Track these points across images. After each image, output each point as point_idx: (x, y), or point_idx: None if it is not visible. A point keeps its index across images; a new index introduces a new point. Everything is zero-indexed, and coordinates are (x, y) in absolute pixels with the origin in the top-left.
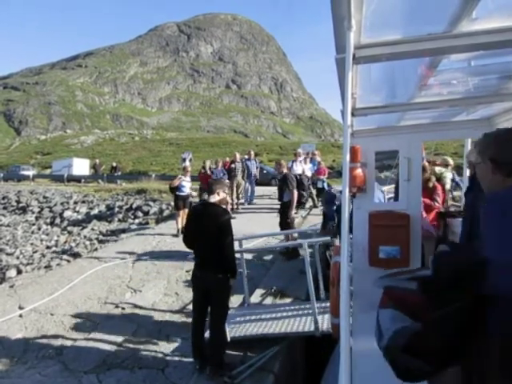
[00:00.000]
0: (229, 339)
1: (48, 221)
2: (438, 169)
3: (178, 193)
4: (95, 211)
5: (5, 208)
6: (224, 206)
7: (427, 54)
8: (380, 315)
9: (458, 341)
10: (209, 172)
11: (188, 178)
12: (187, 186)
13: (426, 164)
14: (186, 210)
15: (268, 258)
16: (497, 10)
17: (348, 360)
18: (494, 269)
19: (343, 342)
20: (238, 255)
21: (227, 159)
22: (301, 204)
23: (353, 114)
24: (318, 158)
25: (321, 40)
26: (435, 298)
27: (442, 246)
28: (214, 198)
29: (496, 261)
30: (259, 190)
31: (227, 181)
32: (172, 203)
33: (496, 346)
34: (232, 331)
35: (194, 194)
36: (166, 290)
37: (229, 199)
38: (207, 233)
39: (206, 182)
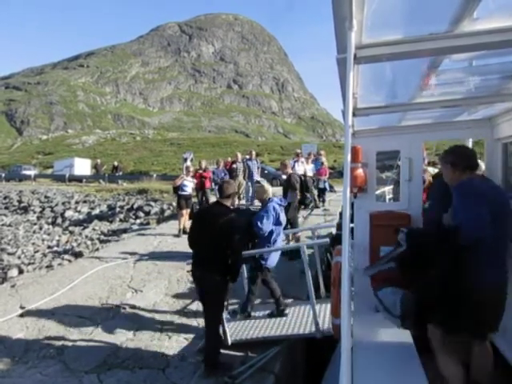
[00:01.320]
0: (230, 342)
1: (49, 220)
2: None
3: (180, 192)
4: (96, 211)
5: (6, 208)
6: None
7: (428, 54)
8: (380, 295)
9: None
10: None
11: (190, 178)
12: (189, 186)
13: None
14: (189, 210)
15: None
16: (498, 10)
17: (349, 360)
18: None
19: (344, 342)
20: None
21: (229, 159)
22: (305, 205)
23: (354, 114)
24: (324, 159)
25: (322, 40)
26: (411, 268)
27: (402, 230)
28: (227, 200)
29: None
30: None
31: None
32: (174, 203)
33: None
34: (233, 334)
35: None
36: (167, 291)
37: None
38: (210, 233)
39: (200, 181)
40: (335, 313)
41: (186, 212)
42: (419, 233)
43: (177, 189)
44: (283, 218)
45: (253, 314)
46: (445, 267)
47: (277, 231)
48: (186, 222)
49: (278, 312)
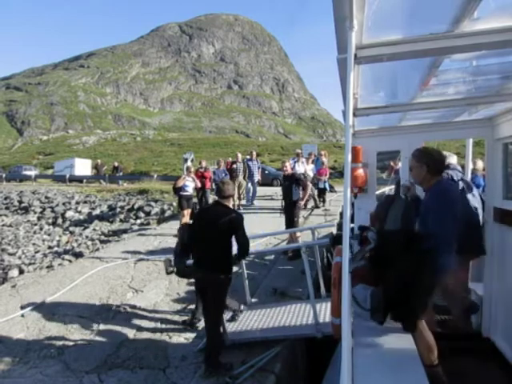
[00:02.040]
0: (229, 342)
1: (50, 221)
2: None
3: (181, 193)
4: (97, 211)
5: (7, 208)
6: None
7: (429, 54)
8: (354, 293)
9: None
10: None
11: (191, 178)
12: (191, 186)
13: None
14: (190, 210)
15: (269, 258)
16: (498, 10)
17: (349, 360)
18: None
19: (345, 342)
20: None
21: (230, 159)
22: (305, 205)
23: (354, 115)
24: (324, 159)
25: (322, 40)
26: (377, 265)
27: (372, 229)
28: (227, 200)
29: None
30: (260, 191)
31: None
32: (174, 203)
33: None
34: (233, 334)
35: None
36: (167, 291)
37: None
38: (211, 233)
39: (201, 181)
40: (335, 313)
41: (187, 212)
42: (388, 232)
43: (178, 189)
44: None
45: (252, 313)
46: (407, 267)
47: None
48: (188, 222)
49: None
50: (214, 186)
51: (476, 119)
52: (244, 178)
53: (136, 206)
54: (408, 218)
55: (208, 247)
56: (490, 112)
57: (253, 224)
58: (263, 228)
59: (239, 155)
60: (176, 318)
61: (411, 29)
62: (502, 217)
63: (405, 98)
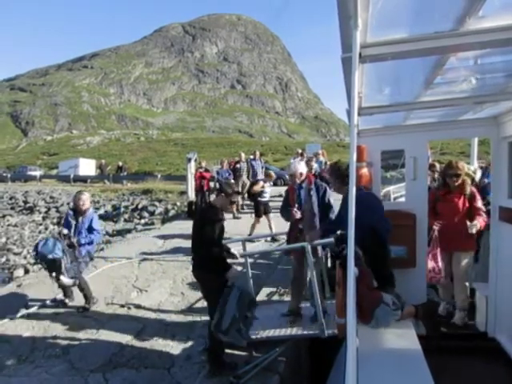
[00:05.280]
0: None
1: (55, 221)
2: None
3: (259, 198)
4: (101, 211)
5: (12, 208)
6: (227, 207)
7: (434, 53)
8: None
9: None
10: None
11: (269, 184)
12: (269, 192)
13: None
14: (269, 215)
15: (274, 256)
16: (503, 8)
17: (354, 360)
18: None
19: (349, 342)
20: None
21: (236, 158)
22: None
23: (359, 114)
24: (322, 158)
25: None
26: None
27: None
28: (213, 198)
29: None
30: None
31: (232, 181)
32: (178, 203)
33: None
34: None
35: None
36: (171, 290)
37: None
38: (200, 234)
39: (200, 182)
40: (340, 313)
41: (263, 219)
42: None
43: (255, 195)
44: None
45: (256, 313)
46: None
47: None
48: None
49: None
50: (217, 186)
51: (481, 118)
52: (247, 177)
53: (140, 206)
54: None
55: (199, 248)
56: (495, 110)
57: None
58: (266, 227)
59: (242, 155)
60: (180, 317)
61: (416, 27)
62: (508, 216)
63: (409, 97)
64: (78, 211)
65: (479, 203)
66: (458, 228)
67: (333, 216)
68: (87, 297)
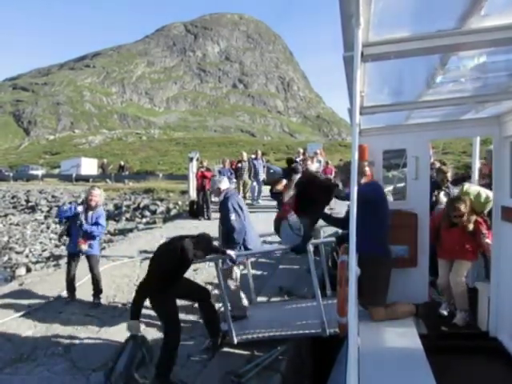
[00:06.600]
0: (235, 341)
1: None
2: (466, 186)
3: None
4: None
5: (14, 207)
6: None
7: (436, 52)
8: (291, 223)
9: None
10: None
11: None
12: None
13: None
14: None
15: (275, 256)
16: (506, 6)
17: (355, 359)
18: None
19: (351, 341)
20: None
21: (240, 158)
22: None
23: (360, 113)
24: (320, 158)
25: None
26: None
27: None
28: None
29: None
30: (266, 189)
31: (234, 180)
32: (179, 202)
33: None
34: (238, 334)
35: None
36: None
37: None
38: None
39: (201, 181)
40: (341, 312)
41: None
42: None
43: (277, 193)
44: None
45: (258, 312)
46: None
47: None
48: None
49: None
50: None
51: (483, 117)
52: (249, 176)
53: (142, 205)
54: None
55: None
56: (497, 110)
57: (258, 222)
58: (268, 227)
59: (244, 154)
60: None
61: (418, 26)
62: (510, 215)
63: (411, 96)
64: (88, 206)
65: (483, 238)
66: (460, 241)
67: None
68: (98, 291)
